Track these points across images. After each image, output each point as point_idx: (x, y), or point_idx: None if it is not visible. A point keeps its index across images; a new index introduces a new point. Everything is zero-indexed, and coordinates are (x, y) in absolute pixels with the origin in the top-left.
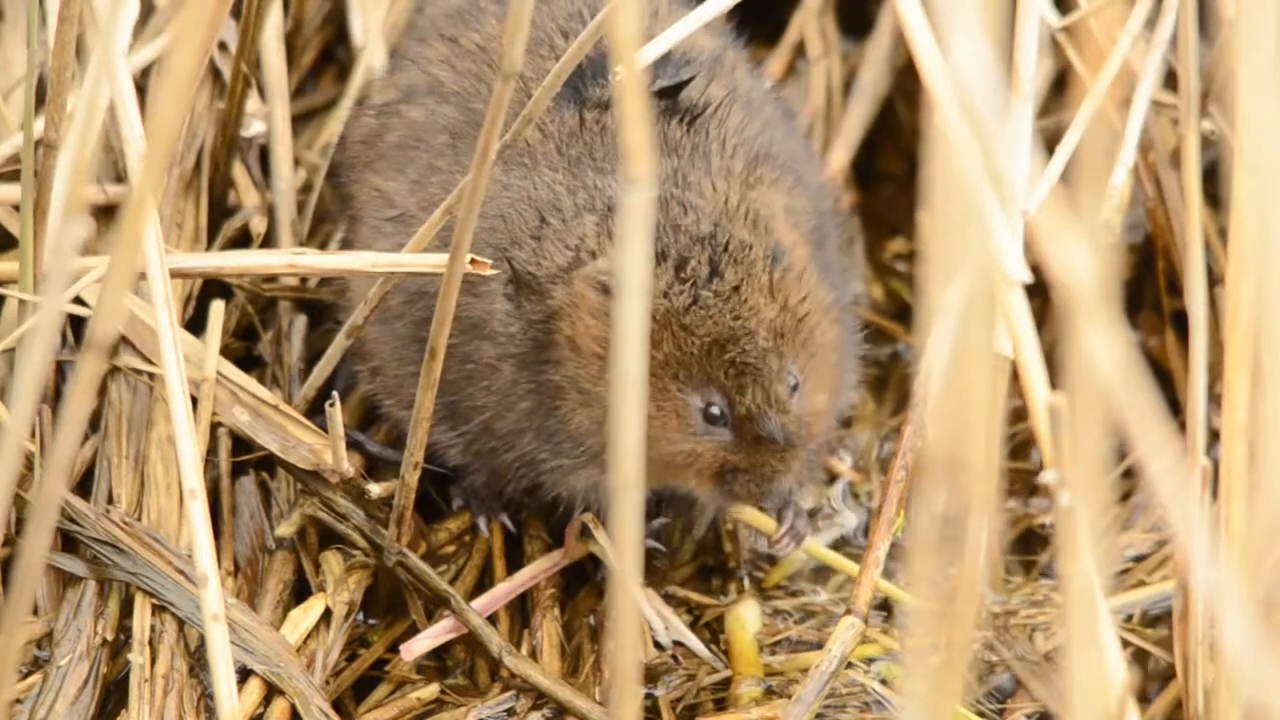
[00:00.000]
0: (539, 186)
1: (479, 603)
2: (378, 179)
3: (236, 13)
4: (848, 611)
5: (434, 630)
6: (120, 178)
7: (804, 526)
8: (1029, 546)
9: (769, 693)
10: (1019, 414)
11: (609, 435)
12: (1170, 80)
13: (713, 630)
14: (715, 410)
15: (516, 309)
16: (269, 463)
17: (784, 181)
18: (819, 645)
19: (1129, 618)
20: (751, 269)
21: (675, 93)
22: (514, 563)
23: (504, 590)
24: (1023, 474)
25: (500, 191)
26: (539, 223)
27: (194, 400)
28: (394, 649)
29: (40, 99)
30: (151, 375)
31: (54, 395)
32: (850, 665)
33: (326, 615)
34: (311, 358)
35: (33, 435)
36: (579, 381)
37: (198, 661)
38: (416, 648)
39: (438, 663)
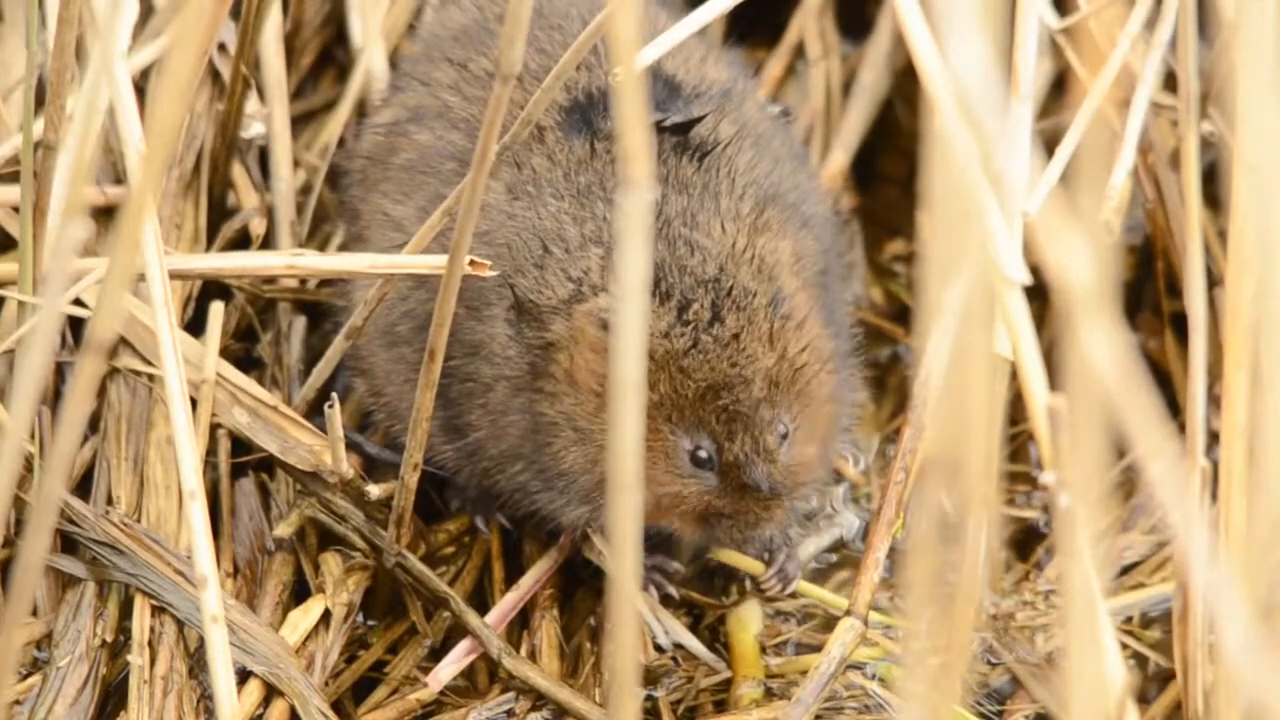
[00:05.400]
0: (544, 216)
1: (491, 617)
2: (385, 201)
3: (236, 14)
4: (847, 613)
5: (455, 654)
6: (119, 179)
7: (794, 569)
8: (1028, 547)
9: (769, 694)
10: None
11: (602, 474)
12: (1170, 82)
13: (714, 631)
14: (703, 454)
15: (516, 334)
16: (268, 464)
17: (792, 224)
18: (820, 647)
19: (1129, 619)
20: (753, 317)
21: (686, 129)
22: (513, 563)
23: (513, 600)
24: (1022, 475)
25: (506, 221)
26: (542, 251)
27: (193, 401)
28: (393, 650)
29: (40, 100)
30: (151, 376)
31: (53, 396)
32: (853, 667)
33: (326, 616)
34: (311, 359)
35: (32, 436)
36: (575, 419)
37: (197, 663)
38: (443, 675)
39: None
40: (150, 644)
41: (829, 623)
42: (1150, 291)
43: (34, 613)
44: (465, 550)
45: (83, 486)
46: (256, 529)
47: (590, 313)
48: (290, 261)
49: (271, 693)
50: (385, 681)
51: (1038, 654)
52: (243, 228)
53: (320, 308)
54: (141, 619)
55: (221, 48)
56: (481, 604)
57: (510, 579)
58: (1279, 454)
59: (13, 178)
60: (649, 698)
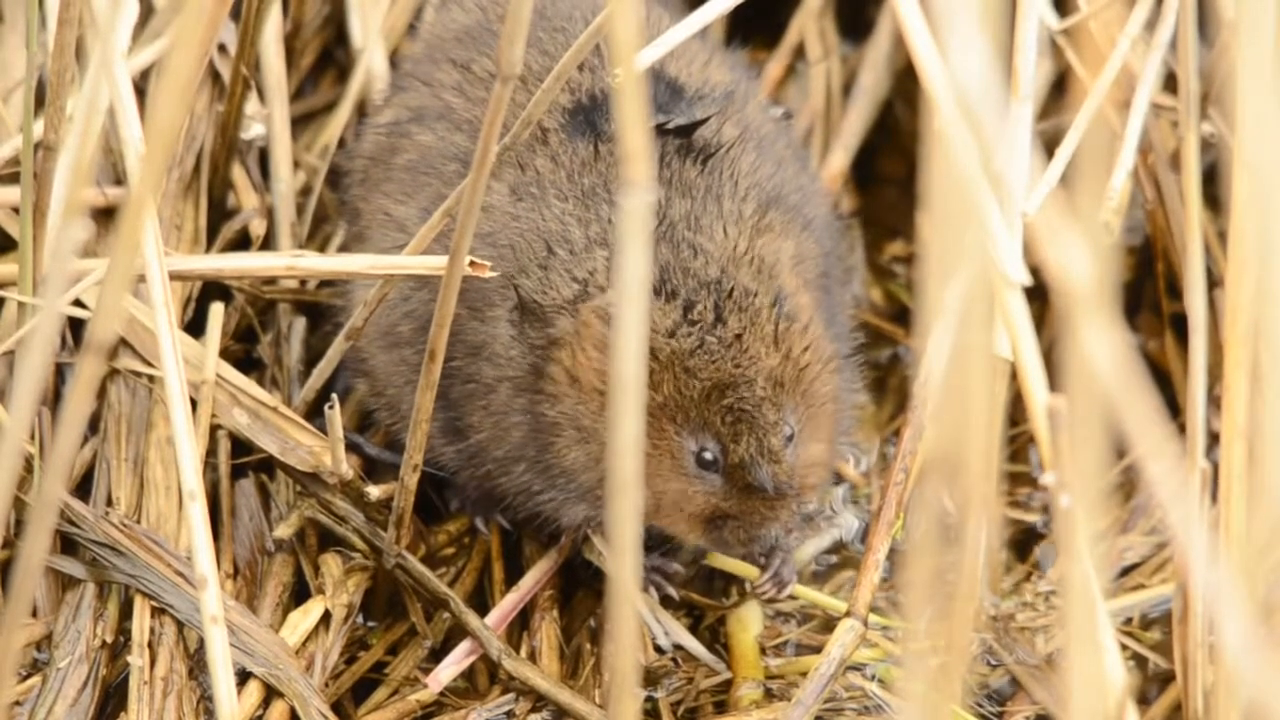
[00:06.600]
0: (548, 218)
1: (491, 618)
2: (387, 202)
3: (236, 14)
4: (847, 614)
5: (455, 655)
6: (119, 180)
7: (789, 574)
8: (1028, 549)
9: (769, 695)
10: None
11: (604, 472)
12: (1170, 82)
13: (714, 632)
14: (708, 455)
15: (519, 334)
16: (268, 465)
17: (794, 226)
18: (820, 648)
19: (1129, 620)
20: (756, 317)
21: (689, 132)
22: (513, 564)
23: (513, 601)
24: (1022, 476)
25: (509, 222)
26: (546, 253)
27: (193, 402)
28: (393, 651)
29: (40, 101)
30: (151, 377)
31: (53, 397)
32: (853, 668)
33: (326, 617)
34: (311, 360)
35: (32, 437)
36: (577, 418)
37: (197, 664)
38: (443, 676)
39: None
40: (150, 645)
41: (829, 624)
42: (1150, 292)
43: (34, 614)
44: (465, 551)
45: (83, 487)
46: (256, 530)
47: (596, 309)
48: (290, 262)
49: (271, 694)
50: (385, 682)
51: (1038, 655)
52: (243, 228)
53: (320, 308)
54: (141, 620)
55: (221, 48)
56: (481, 605)
57: (510, 580)
58: (1279, 455)
59: (13, 179)
60: (649, 699)
